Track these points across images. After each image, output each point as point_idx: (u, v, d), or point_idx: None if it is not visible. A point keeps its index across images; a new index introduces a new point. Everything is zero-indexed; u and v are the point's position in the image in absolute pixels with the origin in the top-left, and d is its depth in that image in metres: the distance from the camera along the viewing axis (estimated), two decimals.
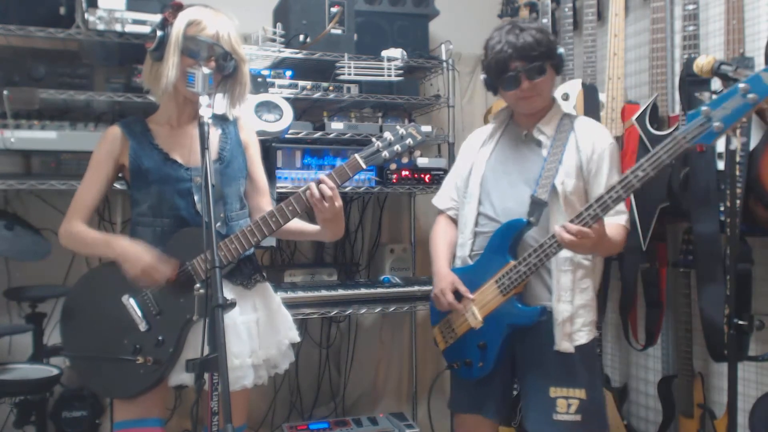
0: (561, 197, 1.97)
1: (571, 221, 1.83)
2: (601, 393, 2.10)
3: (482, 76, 2.12)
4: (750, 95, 1.59)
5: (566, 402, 1.97)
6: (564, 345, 1.98)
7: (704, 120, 1.65)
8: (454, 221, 2.25)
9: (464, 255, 2.14)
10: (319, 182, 1.81)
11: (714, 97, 1.68)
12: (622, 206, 1.99)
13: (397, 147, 1.86)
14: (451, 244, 2.22)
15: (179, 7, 1.85)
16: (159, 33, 1.82)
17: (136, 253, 1.80)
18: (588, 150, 2.02)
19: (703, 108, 1.65)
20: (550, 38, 2.03)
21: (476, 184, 2.12)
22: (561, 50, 2.05)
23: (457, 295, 2.07)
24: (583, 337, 2.00)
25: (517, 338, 2.03)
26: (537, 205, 1.97)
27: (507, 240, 2.01)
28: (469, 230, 2.12)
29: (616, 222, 1.98)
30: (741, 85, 1.60)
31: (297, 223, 1.95)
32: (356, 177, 2.98)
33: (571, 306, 1.98)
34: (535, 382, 2.02)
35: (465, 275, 2.10)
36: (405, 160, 1.93)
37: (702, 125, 1.66)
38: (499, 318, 2.01)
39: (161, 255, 1.80)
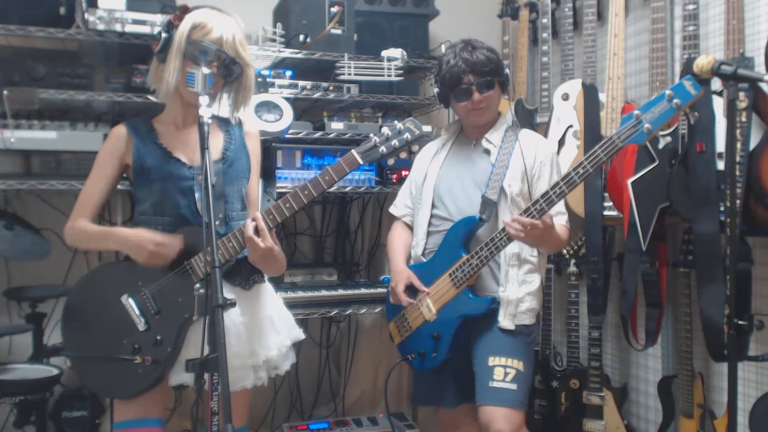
0: (508, 198, 2.16)
1: (519, 215, 1.99)
2: (531, 375, 2.22)
3: (435, 90, 2.31)
4: (675, 101, 1.81)
5: (504, 370, 2.09)
6: (505, 323, 2.15)
7: (635, 122, 1.86)
8: (409, 227, 2.44)
9: (417, 254, 2.30)
10: (253, 219, 1.78)
11: (645, 103, 1.88)
12: (562, 208, 2.20)
13: (395, 142, 1.84)
14: (406, 245, 2.39)
15: (186, 10, 1.85)
16: (164, 35, 1.82)
17: (137, 237, 1.81)
18: (531, 158, 2.21)
19: (635, 112, 1.86)
20: (499, 58, 2.24)
21: (430, 189, 2.30)
22: (507, 71, 2.27)
23: (413, 290, 2.23)
24: (525, 320, 2.18)
25: (468, 327, 2.18)
26: (487, 204, 2.15)
27: (461, 236, 2.17)
28: (423, 231, 2.29)
29: (557, 222, 2.13)
30: (667, 92, 1.82)
31: None
32: (356, 177, 3.03)
33: (517, 293, 2.16)
34: (478, 355, 2.17)
35: (420, 271, 2.26)
36: (403, 155, 1.93)
37: (633, 127, 1.86)
38: (453, 309, 2.16)
39: (162, 234, 1.81)
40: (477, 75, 2.17)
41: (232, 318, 1.83)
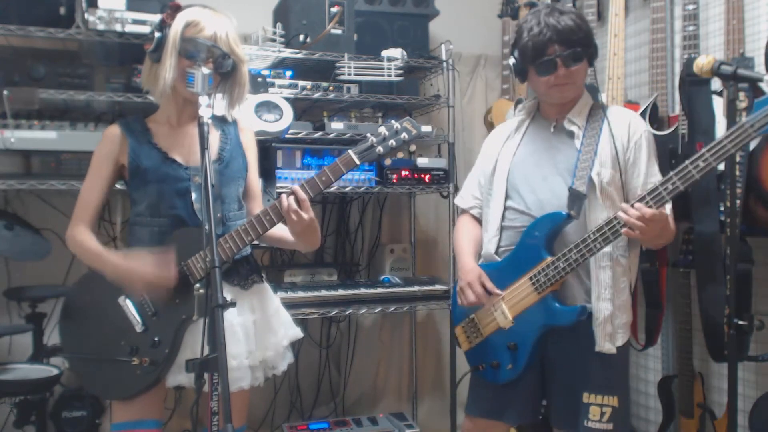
0: (598, 189, 1.88)
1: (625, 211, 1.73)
2: (629, 398, 2.04)
3: (511, 61, 2.02)
4: None
5: (600, 410, 1.88)
6: (606, 346, 1.89)
7: None
8: (478, 220, 2.17)
9: (490, 252, 2.03)
10: (290, 193, 1.77)
11: None
12: None
13: (392, 142, 1.83)
14: (475, 240, 2.12)
15: (177, 8, 1.84)
16: (157, 34, 1.81)
17: (132, 273, 1.78)
18: (623, 139, 1.93)
19: None
20: (588, 26, 1.95)
21: (502, 180, 2.02)
22: (596, 43, 1.97)
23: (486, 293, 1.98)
24: (620, 338, 1.92)
25: (549, 340, 1.94)
26: (576, 198, 1.86)
27: (543, 234, 1.90)
28: (495, 227, 2.02)
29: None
30: None
31: (278, 230, 1.89)
32: (356, 177, 3.03)
33: (612, 305, 1.89)
34: (569, 384, 1.93)
35: (493, 272, 2.00)
36: (400, 155, 1.91)
37: None
38: (533, 318, 1.91)
39: (157, 258, 1.78)
40: (564, 45, 1.87)
41: (229, 318, 1.83)
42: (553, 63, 1.89)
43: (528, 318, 1.92)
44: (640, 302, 2.74)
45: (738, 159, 2.07)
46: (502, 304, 1.96)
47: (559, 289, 1.91)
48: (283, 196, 1.78)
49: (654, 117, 2.51)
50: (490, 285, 1.97)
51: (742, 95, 2.09)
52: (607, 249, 1.87)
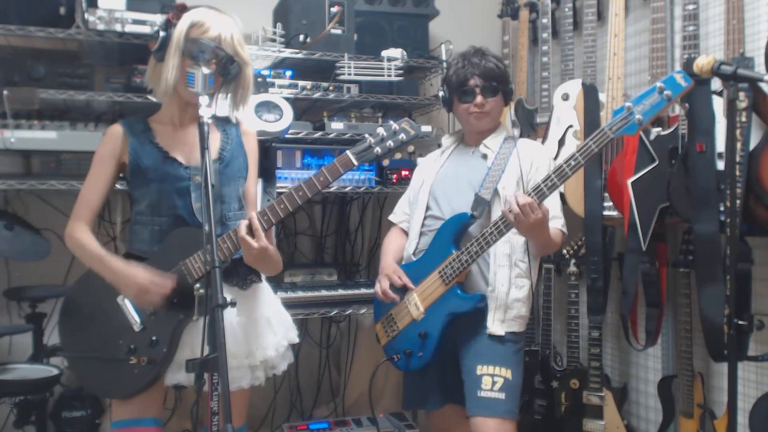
0: (501, 199, 2.16)
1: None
2: (521, 382, 2.19)
3: (440, 93, 2.34)
4: (666, 92, 1.86)
5: (491, 379, 2.09)
6: (495, 327, 2.13)
7: (627, 114, 1.89)
8: (405, 233, 2.44)
9: (409, 253, 2.30)
10: (246, 220, 1.76)
11: (636, 95, 1.92)
12: (558, 212, 2.21)
13: (390, 143, 1.84)
14: (399, 247, 2.40)
15: (183, 8, 1.84)
16: (162, 34, 1.81)
17: (127, 277, 1.79)
18: (527, 163, 2.23)
19: (627, 104, 1.89)
20: (506, 70, 2.31)
21: (425, 192, 2.32)
22: (512, 86, 2.32)
23: (401, 291, 2.22)
24: (514, 327, 2.16)
25: (456, 327, 2.16)
26: (479, 202, 2.16)
27: (452, 233, 2.17)
28: (416, 232, 2.30)
29: (553, 226, 2.15)
30: (658, 84, 1.87)
31: None
32: (356, 177, 3.03)
33: (507, 297, 2.15)
34: (467, 363, 2.16)
35: (410, 270, 2.25)
36: (399, 155, 1.92)
37: (624, 118, 1.90)
38: (441, 307, 2.14)
39: (156, 273, 1.79)
40: (483, 79, 2.22)
41: (228, 318, 1.83)
42: (473, 91, 2.23)
43: (437, 308, 2.15)
44: (640, 302, 2.74)
45: (738, 159, 2.07)
46: (415, 297, 2.20)
47: (465, 280, 2.17)
48: (242, 222, 1.77)
49: None
50: (405, 279, 2.22)
51: (742, 95, 2.10)
52: (506, 250, 2.17)
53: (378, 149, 1.83)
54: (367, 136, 1.85)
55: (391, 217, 2.54)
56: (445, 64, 3.21)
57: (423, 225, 2.29)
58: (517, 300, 2.17)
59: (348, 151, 1.82)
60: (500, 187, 2.18)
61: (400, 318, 2.24)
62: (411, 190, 2.46)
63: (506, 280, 2.16)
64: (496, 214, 2.15)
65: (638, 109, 1.88)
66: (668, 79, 1.88)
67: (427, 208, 2.30)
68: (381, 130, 1.84)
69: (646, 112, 1.88)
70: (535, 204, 1.94)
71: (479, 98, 2.22)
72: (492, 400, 2.07)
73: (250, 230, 1.76)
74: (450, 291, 2.13)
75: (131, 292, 1.80)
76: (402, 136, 1.84)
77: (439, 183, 2.31)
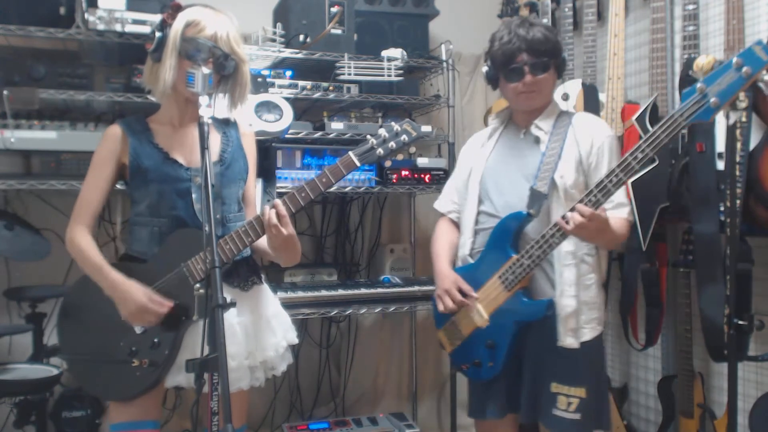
0: (561, 190, 1.97)
1: (572, 209, 1.82)
2: (604, 391, 2.09)
3: (484, 69, 2.13)
4: (744, 69, 1.60)
5: (566, 399, 1.96)
6: (568, 341, 1.97)
7: (700, 97, 1.64)
8: (455, 224, 2.25)
9: (465, 254, 2.12)
10: (272, 206, 1.77)
11: (708, 74, 1.69)
12: (623, 198, 2.01)
13: (392, 144, 1.84)
14: (452, 244, 2.20)
15: (178, 8, 1.84)
16: (158, 34, 1.81)
17: (125, 293, 1.78)
18: (587, 144, 2.02)
19: (699, 85, 1.63)
20: (557, 38, 2.05)
21: (476, 184, 2.13)
22: (565, 54, 2.08)
23: (461, 294, 2.05)
24: (587, 334, 1.99)
25: (523, 334, 2.01)
26: (536, 198, 1.96)
27: (508, 234, 1.99)
28: (470, 229, 2.12)
29: (618, 215, 1.98)
30: (734, 60, 1.60)
31: (263, 242, 1.89)
32: (356, 177, 3.03)
33: (576, 301, 1.96)
34: (537, 376, 2.01)
35: (467, 274, 2.07)
36: (400, 157, 1.92)
37: (698, 102, 1.64)
38: (506, 314, 1.98)
39: (153, 294, 1.78)
40: (532, 55, 1.99)
41: (229, 318, 1.83)
42: (521, 70, 2.00)
43: (502, 315, 1.99)
44: (640, 302, 2.74)
45: (738, 159, 2.07)
46: (478, 304, 2.03)
47: (528, 285, 1.99)
48: (266, 208, 1.78)
49: (654, 117, 2.51)
50: (466, 287, 2.05)
51: (742, 95, 2.09)
52: (570, 248, 1.96)
53: (380, 150, 1.83)
54: (369, 137, 1.85)
55: (438, 206, 2.33)
56: (444, 65, 3.21)
57: (477, 222, 2.11)
58: (587, 302, 1.99)
59: (350, 152, 1.82)
60: (557, 176, 1.97)
61: (464, 325, 2.08)
62: (458, 176, 2.26)
63: (573, 280, 1.97)
64: (556, 207, 1.98)
65: (713, 90, 1.62)
66: (745, 52, 1.60)
67: (480, 202, 2.11)
68: (383, 132, 1.84)
69: (722, 92, 1.61)
70: (596, 214, 1.77)
71: (529, 77, 2.00)
72: (567, 420, 1.95)
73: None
74: (514, 297, 1.97)
75: (128, 309, 1.78)
76: (404, 137, 1.84)
77: (489, 173, 2.11)
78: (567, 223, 1.82)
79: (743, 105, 2.11)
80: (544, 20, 3.11)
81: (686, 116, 1.67)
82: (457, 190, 2.25)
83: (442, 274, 2.12)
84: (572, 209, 1.82)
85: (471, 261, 2.10)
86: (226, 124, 1.99)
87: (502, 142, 2.16)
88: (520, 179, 2.03)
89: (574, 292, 1.97)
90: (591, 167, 2.02)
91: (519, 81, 2.01)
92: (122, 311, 1.80)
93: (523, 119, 2.12)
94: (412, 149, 3.14)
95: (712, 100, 1.63)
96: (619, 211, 1.99)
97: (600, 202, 1.80)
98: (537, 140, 2.07)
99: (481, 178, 2.12)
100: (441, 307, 2.09)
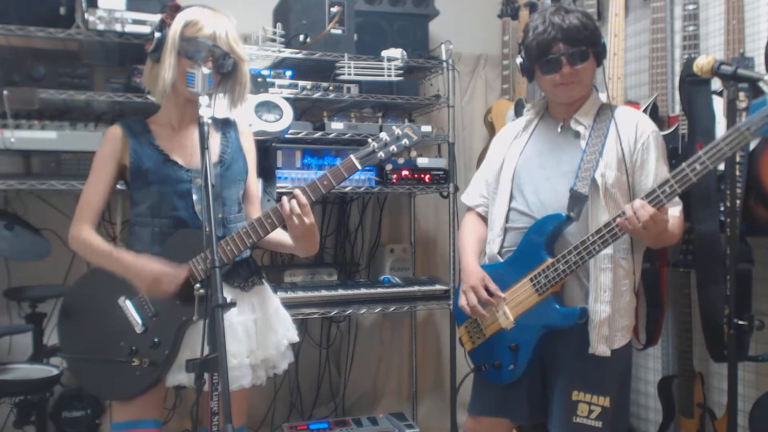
0: (601, 191, 1.87)
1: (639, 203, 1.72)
2: (626, 400, 2.03)
3: (518, 60, 2.01)
4: None
5: (588, 407, 1.89)
6: (600, 348, 1.88)
7: None
8: (483, 219, 2.17)
9: (493, 252, 2.04)
10: (292, 197, 1.79)
11: None
12: (676, 197, 1.85)
13: (393, 147, 1.84)
14: (480, 239, 2.12)
15: (177, 8, 1.85)
16: (157, 35, 1.82)
17: (139, 269, 1.79)
18: (630, 140, 1.91)
19: None
20: (595, 24, 1.93)
21: (508, 179, 2.02)
22: (605, 40, 1.96)
23: (487, 291, 1.98)
24: (618, 341, 1.92)
25: (549, 340, 1.93)
26: (577, 200, 1.86)
27: (544, 236, 1.90)
28: (499, 226, 2.02)
29: (672, 214, 1.87)
30: None
31: (277, 234, 1.92)
32: (356, 177, 3.03)
33: (610, 307, 1.88)
34: (561, 383, 1.94)
35: (495, 273, 2.00)
36: (401, 160, 1.92)
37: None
38: (534, 319, 1.91)
39: (167, 263, 1.79)
40: (569, 44, 1.86)
41: (229, 317, 1.83)
42: (558, 61, 1.88)
43: (529, 319, 1.92)
44: (640, 302, 2.74)
45: (738, 159, 2.07)
46: (504, 305, 1.96)
47: (560, 290, 1.91)
48: (285, 199, 1.78)
49: (654, 117, 2.51)
50: (493, 287, 1.97)
51: (742, 95, 2.09)
52: (608, 251, 1.86)
53: (381, 154, 1.84)
54: (370, 140, 1.85)
55: (465, 199, 2.22)
56: (444, 65, 3.21)
57: (507, 219, 2.00)
58: (621, 309, 1.90)
59: (352, 156, 1.83)
60: (598, 175, 1.86)
61: (487, 325, 2.01)
62: (489, 168, 2.14)
63: (609, 286, 1.87)
64: (595, 209, 1.87)
65: None
66: None
67: (511, 198, 2.00)
68: (384, 135, 1.85)
69: None
70: (659, 215, 1.68)
71: (567, 68, 1.87)
72: (588, 428, 1.88)
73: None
74: (544, 302, 1.89)
75: (145, 283, 1.79)
76: (405, 141, 1.85)
77: (523, 168, 2.00)
78: (627, 219, 1.71)
79: (743, 105, 2.11)
80: None
81: (753, 130, 1.59)
82: (487, 184, 2.14)
83: (469, 270, 2.03)
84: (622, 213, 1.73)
85: (500, 260, 2.02)
86: (225, 124, 2.00)
87: (537, 136, 2.04)
88: (556, 177, 1.94)
89: (609, 298, 1.88)
90: (636, 166, 1.92)
91: (557, 72, 1.89)
92: (141, 286, 1.81)
93: (561, 112, 2.01)
94: (413, 154, 3.14)
95: None
96: (672, 209, 1.88)
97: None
98: (576, 135, 1.96)
99: (514, 173, 2.01)
100: (463, 303, 2.01)
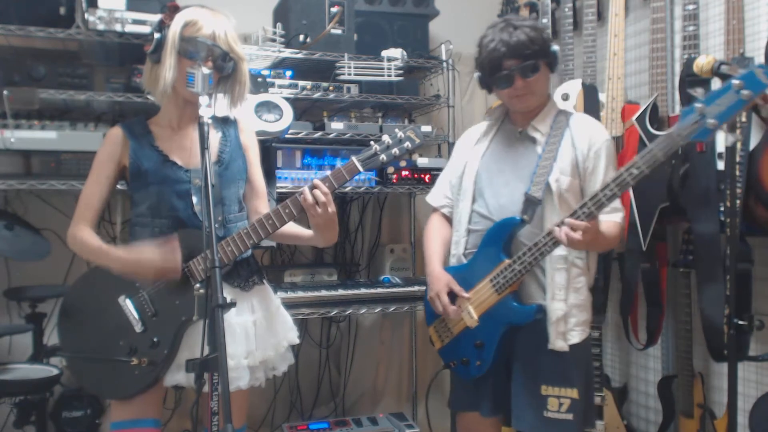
0: (555, 195, 1.95)
1: (561, 222, 1.81)
2: (591, 391, 2.10)
3: (476, 75, 2.11)
4: (744, 92, 1.58)
5: (558, 401, 1.96)
6: (558, 344, 1.97)
7: (698, 117, 1.63)
8: (448, 219, 2.25)
9: (459, 253, 2.13)
10: (313, 187, 1.79)
11: (708, 94, 1.67)
12: (617, 204, 1.98)
13: (395, 150, 1.85)
14: (445, 242, 2.20)
15: (176, 9, 1.85)
16: (156, 35, 1.82)
17: (138, 262, 1.79)
18: (584, 147, 2.00)
19: (697, 105, 1.63)
20: (544, 36, 2.00)
21: (470, 182, 2.10)
22: (555, 48, 2.03)
23: (452, 294, 2.06)
24: (576, 336, 2.00)
25: (511, 336, 2.02)
26: (531, 203, 1.96)
27: (500, 238, 1.99)
28: (464, 228, 2.11)
29: (611, 219, 1.97)
30: (735, 82, 1.58)
31: (292, 227, 1.94)
32: (356, 177, 3.02)
33: (565, 304, 1.97)
34: (527, 379, 2.01)
35: (459, 274, 2.09)
36: (403, 162, 1.93)
37: (696, 122, 1.64)
38: (496, 316, 2.00)
39: (161, 248, 1.79)
40: (518, 59, 1.94)
41: (228, 318, 1.83)
42: (510, 77, 1.97)
43: (492, 317, 2.01)
44: (640, 302, 2.74)
45: (738, 159, 2.07)
46: (468, 304, 2.04)
47: (518, 288, 2.00)
48: (306, 188, 1.80)
49: (654, 117, 2.51)
50: (457, 288, 2.05)
51: None
52: (562, 252, 1.95)
53: (383, 156, 1.84)
54: (372, 143, 1.86)
55: (431, 200, 2.30)
56: (444, 65, 3.21)
57: (470, 221, 2.09)
58: (577, 305, 1.99)
59: (353, 158, 1.83)
60: (552, 179, 1.96)
61: (454, 324, 2.10)
62: (452, 171, 2.23)
63: (564, 284, 1.97)
64: (550, 212, 1.96)
65: (711, 110, 1.60)
66: (746, 75, 1.58)
67: (474, 200, 2.09)
68: (386, 138, 1.85)
69: (721, 114, 1.60)
70: (587, 227, 1.76)
71: (519, 82, 1.96)
72: (561, 421, 1.95)
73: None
74: (504, 301, 1.98)
75: (149, 275, 1.79)
76: (407, 144, 1.85)
77: (484, 172, 2.09)
78: (559, 234, 1.81)
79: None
80: (544, 20, 3.12)
81: (683, 135, 1.66)
82: (451, 185, 2.23)
83: (434, 275, 2.13)
84: (562, 223, 1.81)
85: (464, 261, 2.11)
86: (224, 123, 2.00)
87: (497, 141, 2.14)
88: (514, 181, 2.02)
89: (564, 296, 1.97)
90: (587, 171, 2.00)
91: (509, 86, 1.98)
92: (145, 277, 1.80)
93: (520, 119, 2.09)
94: (415, 157, 3.15)
95: (711, 121, 1.62)
96: (613, 215, 1.98)
97: (593, 215, 1.79)
98: (534, 141, 2.05)
99: (476, 176, 2.10)
100: (436, 306, 2.10)
